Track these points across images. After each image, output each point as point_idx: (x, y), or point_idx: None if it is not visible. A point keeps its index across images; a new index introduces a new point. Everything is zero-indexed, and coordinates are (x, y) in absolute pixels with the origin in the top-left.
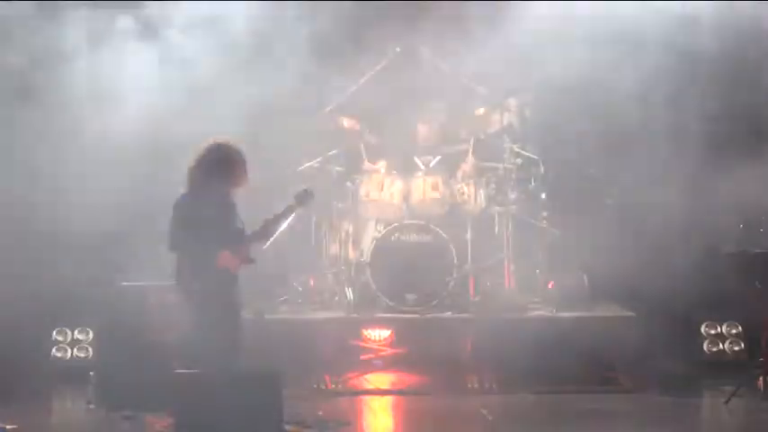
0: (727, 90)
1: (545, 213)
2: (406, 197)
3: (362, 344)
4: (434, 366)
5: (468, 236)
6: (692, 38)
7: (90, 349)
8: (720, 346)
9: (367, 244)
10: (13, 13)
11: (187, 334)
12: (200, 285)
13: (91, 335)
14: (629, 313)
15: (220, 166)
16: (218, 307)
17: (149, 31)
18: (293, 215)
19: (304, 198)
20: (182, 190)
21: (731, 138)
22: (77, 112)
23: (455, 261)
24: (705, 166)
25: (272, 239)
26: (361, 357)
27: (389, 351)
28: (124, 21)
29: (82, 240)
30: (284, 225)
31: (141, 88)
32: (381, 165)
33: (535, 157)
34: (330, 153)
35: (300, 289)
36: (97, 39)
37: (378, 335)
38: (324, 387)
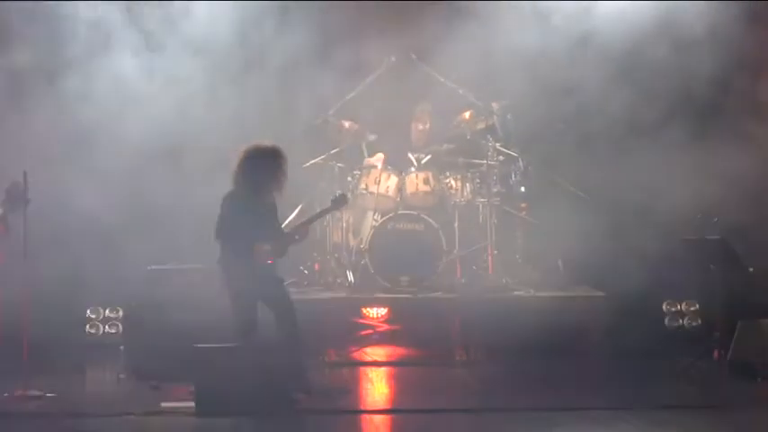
0: (686, 92)
1: (524, 205)
2: (400, 190)
3: (362, 321)
4: (426, 340)
5: (456, 225)
6: (649, 44)
7: (120, 326)
8: (680, 321)
9: (366, 232)
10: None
11: (219, 310)
12: (237, 272)
13: (121, 313)
14: (599, 293)
15: (260, 168)
16: (249, 289)
17: (161, 33)
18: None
19: (341, 202)
20: (228, 189)
21: (690, 138)
22: (113, 112)
23: (444, 247)
24: (667, 162)
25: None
26: (361, 333)
27: (386, 327)
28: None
29: (114, 229)
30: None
31: (162, 92)
32: (378, 161)
33: (515, 154)
34: (332, 151)
35: (306, 272)
36: (114, 39)
37: (375, 313)
38: (328, 359)
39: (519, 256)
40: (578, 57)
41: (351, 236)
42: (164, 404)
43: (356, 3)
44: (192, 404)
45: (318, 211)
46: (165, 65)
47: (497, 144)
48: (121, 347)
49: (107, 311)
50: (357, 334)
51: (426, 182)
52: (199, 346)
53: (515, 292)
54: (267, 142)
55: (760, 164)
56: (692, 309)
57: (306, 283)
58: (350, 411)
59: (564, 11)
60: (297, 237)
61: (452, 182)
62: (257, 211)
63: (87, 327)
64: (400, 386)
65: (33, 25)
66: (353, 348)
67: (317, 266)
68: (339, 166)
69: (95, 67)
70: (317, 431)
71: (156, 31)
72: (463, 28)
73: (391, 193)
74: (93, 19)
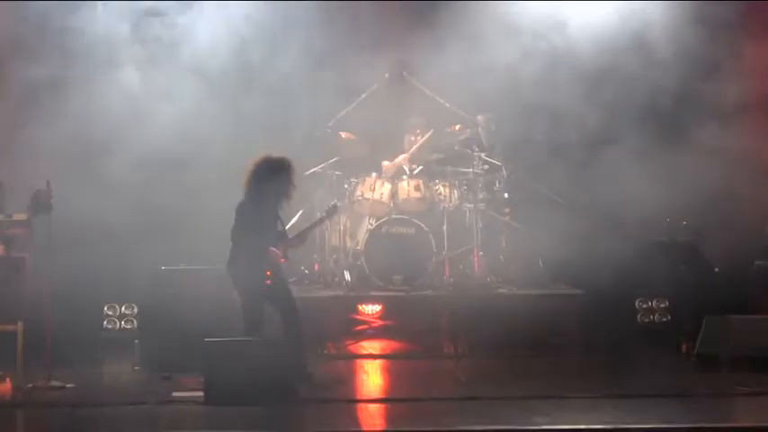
0: (653, 104)
1: (507, 209)
2: (393, 196)
3: (358, 317)
4: (417, 335)
5: (445, 228)
6: (619, 60)
7: (135, 322)
8: (651, 317)
9: (361, 235)
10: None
11: (227, 307)
12: (252, 271)
13: (136, 309)
14: (577, 291)
15: (270, 178)
16: (257, 289)
17: (170, 47)
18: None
19: (333, 211)
20: (242, 197)
21: (661, 147)
22: (127, 125)
23: (434, 249)
24: (639, 170)
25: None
26: (357, 328)
27: (380, 323)
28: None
29: (129, 233)
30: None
31: (174, 106)
32: (374, 170)
33: (498, 163)
34: (331, 160)
35: (307, 272)
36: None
37: (371, 309)
38: (326, 352)
39: (503, 257)
40: (555, 74)
41: (348, 239)
42: (175, 394)
43: (353, 24)
44: (201, 394)
45: (314, 221)
46: (175, 81)
47: (483, 154)
48: (136, 341)
49: (123, 308)
50: (354, 329)
51: (417, 189)
52: (208, 340)
53: (499, 290)
54: (276, 154)
55: (726, 171)
56: (662, 306)
57: (307, 282)
58: (347, 400)
59: (541, 31)
60: (295, 243)
61: (441, 189)
62: (266, 219)
63: (105, 323)
64: (393, 377)
65: (45, 38)
66: (350, 342)
67: (316, 267)
68: (337, 174)
69: (113, 83)
70: (317, 419)
71: (168, 47)
72: (452, 48)
73: (385, 199)
74: (103, 35)
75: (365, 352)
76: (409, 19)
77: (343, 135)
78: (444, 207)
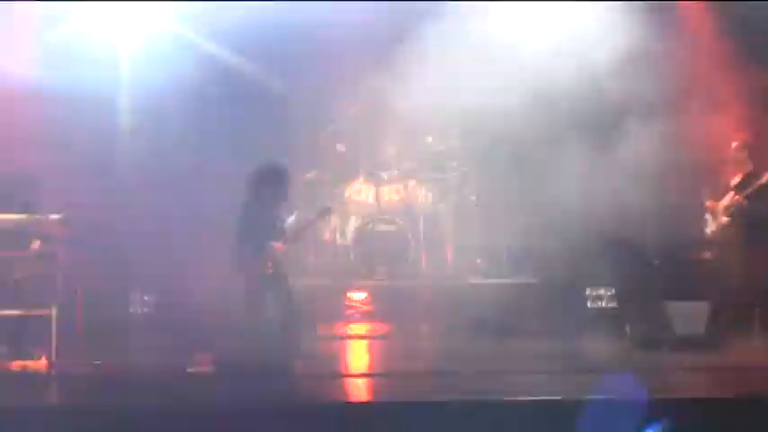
0: (598, 108)
1: (475, 209)
2: (377, 199)
3: (346, 302)
4: (397, 318)
5: (421, 226)
6: (565, 70)
7: (154, 307)
8: (599, 303)
9: (350, 232)
10: None
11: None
12: (257, 264)
13: (155, 297)
14: (536, 280)
15: (270, 183)
16: (266, 278)
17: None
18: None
19: (325, 212)
20: (243, 199)
21: (605, 153)
22: (147, 136)
23: (412, 243)
24: (586, 174)
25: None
26: (346, 312)
27: (365, 308)
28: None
29: (149, 231)
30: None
31: (181, 115)
32: (360, 176)
33: (466, 170)
34: (323, 167)
35: (302, 264)
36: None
37: (357, 296)
38: (319, 333)
39: (471, 251)
40: (516, 87)
41: (338, 235)
42: (188, 369)
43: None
44: (212, 369)
45: (309, 220)
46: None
47: (453, 162)
48: (155, 324)
49: (144, 295)
50: (343, 314)
51: (398, 192)
52: (216, 322)
53: (469, 280)
54: (276, 163)
55: (664, 171)
56: (609, 293)
57: (302, 273)
58: (337, 375)
59: (496, 54)
60: (293, 239)
61: (418, 192)
62: (266, 218)
63: (129, 307)
64: (377, 355)
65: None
66: (339, 325)
67: (311, 260)
68: (329, 180)
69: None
70: (311, 391)
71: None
72: (426, 71)
73: (370, 201)
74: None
75: (352, 333)
76: (386, 41)
77: (335, 146)
78: (421, 208)
